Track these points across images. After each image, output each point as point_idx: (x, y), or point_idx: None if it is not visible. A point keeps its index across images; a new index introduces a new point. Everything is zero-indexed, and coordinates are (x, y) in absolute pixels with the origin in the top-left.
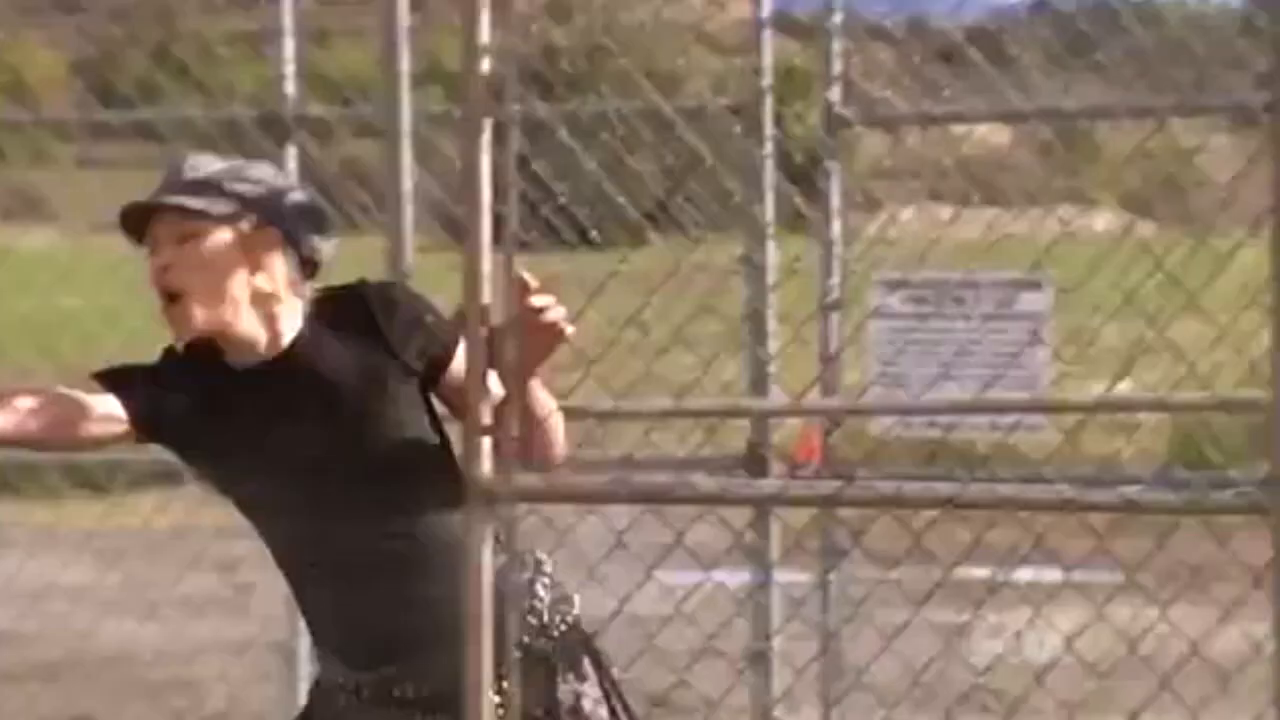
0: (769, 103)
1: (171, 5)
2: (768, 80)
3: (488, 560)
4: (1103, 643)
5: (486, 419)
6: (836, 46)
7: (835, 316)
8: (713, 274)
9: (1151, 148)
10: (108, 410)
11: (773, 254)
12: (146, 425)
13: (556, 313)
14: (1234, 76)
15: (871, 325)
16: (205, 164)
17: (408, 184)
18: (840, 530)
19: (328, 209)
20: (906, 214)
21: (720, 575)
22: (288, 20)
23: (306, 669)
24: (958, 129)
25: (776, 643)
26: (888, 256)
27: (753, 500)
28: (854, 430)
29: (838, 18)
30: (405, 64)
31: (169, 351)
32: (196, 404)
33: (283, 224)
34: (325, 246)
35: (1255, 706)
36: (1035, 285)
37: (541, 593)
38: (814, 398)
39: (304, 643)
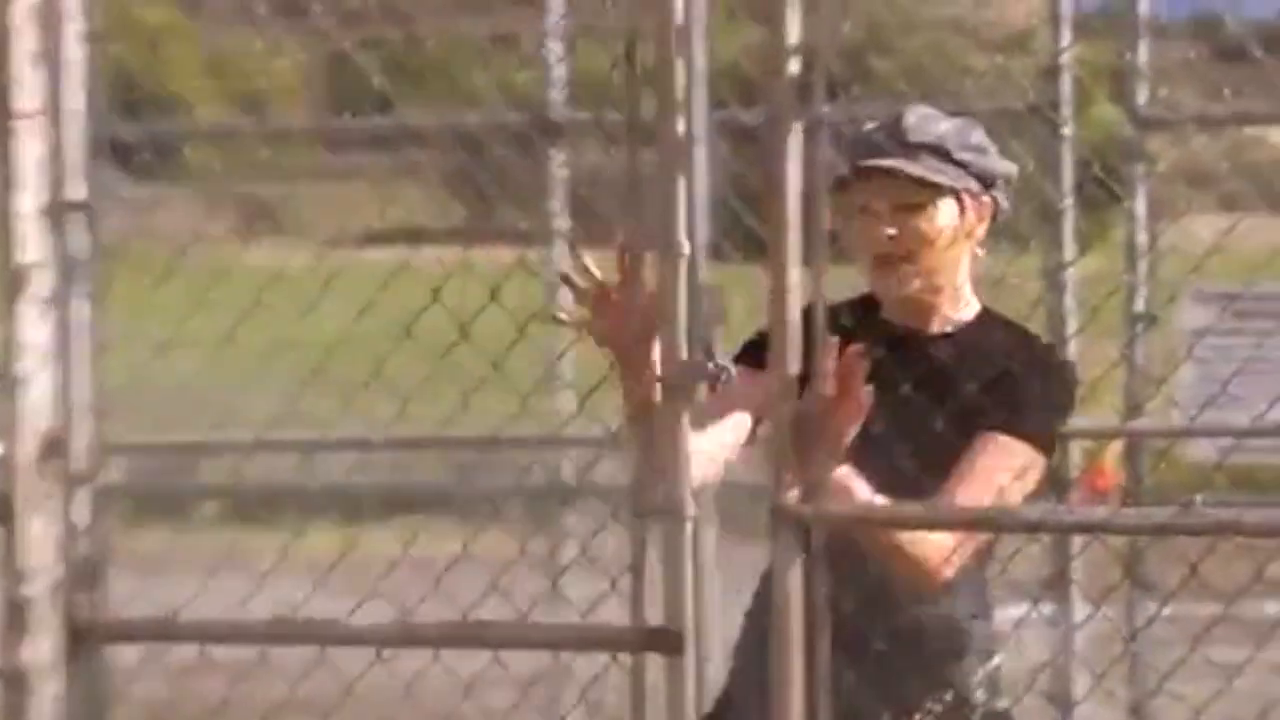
0: (1068, 103)
1: (405, 6)
2: (1066, 80)
3: (797, 586)
4: None
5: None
6: (1144, 44)
7: (1141, 330)
8: (1006, 288)
9: None
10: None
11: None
12: None
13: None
14: None
15: (1186, 342)
16: (929, 124)
17: (702, 194)
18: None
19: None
20: (1199, 223)
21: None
22: (553, 19)
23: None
24: (1250, 132)
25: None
26: (1186, 267)
27: (1079, 528)
28: (1155, 456)
29: (1143, 6)
30: (701, 61)
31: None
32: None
33: (999, 194)
34: (1005, 212)
35: None
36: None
37: (996, 658)
38: (1108, 418)
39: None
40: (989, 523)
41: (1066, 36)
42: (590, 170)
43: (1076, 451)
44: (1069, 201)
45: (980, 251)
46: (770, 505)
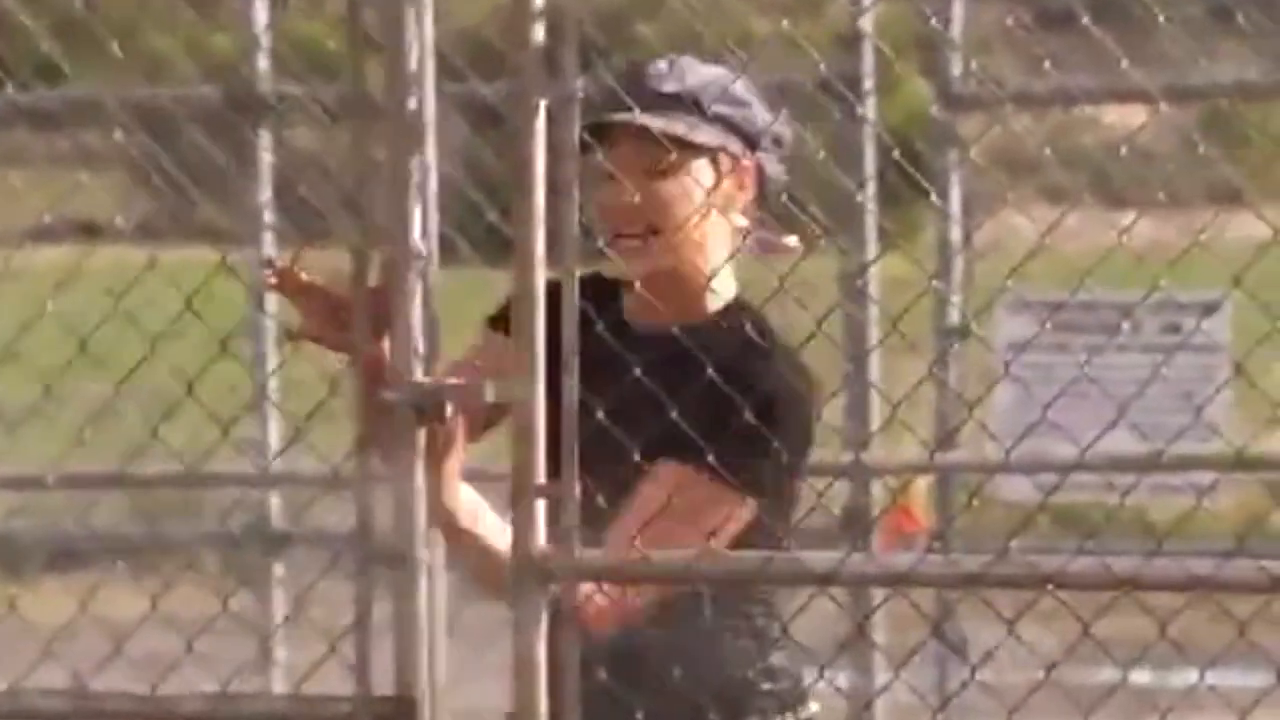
0: (868, 77)
1: None
2: (867, 49)
3: (540, 647)
4: None
5: (540, 476)
6: (957, 8)
7: (955, 345)
8: (799, 290)
9: None
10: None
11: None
12: None
13: None
14: None
15: (995, 358)
16: (680, 73)
17: (433, 183)
18: (956, 622)
19: (790, 138)
20: (1019, 219)
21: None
22: None
23: None
24: (1079, 112)
25: None
26: (1003, 271)
27: (874, 580)
28: (968, 493)
29: None
30: (429, 28)
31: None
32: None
33: (764, 155)
34: (778, 184)
35: None
36: (1213, 307)
37: (783, 678)
38: (914, 450)
39: None
40: (763, 574)
41: None
42: (302, 155)
43: (877, 488)
44: (869, 194)
45: (742, 222)
46: (513, 553)
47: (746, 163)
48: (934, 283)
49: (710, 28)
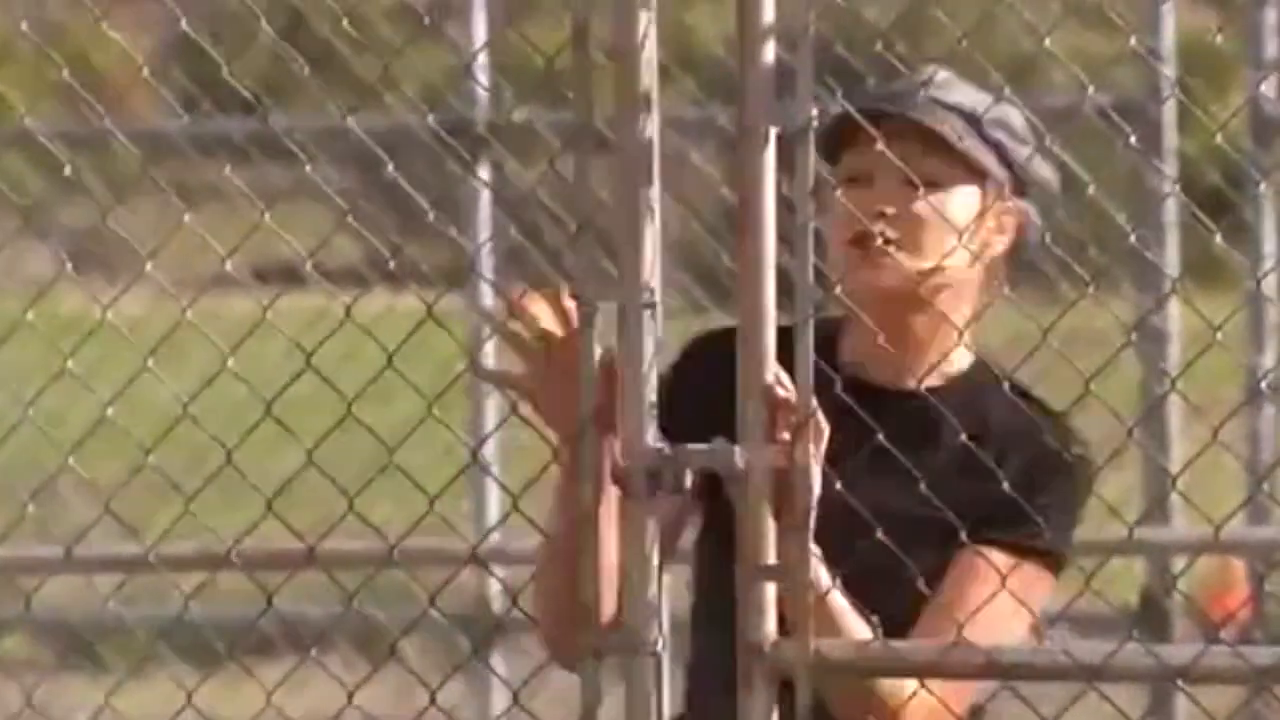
0: (1171, 101)
1: None
2: (1172, 69)
3: None
4: None
5: (770, 556)
6: (1270, 19)
7: (1269, 408)
8: (1089, 343)
9: None
10: None
11: (1177, 317)
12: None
13: None
14: None
15: None
16: (962, 87)
17: (653, 224)
18: None
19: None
20: None
21: None
22: None
23: None
24: None
25: None
26: None
27: (1149, 676)
28: None
29: None
30: (652, 49)
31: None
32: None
33: (1030, 206)
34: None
35: None
36: None
37: None
38: (1239, 526)
39: None
40: (1031, 672)
41: (1168, 8)
42: (522, 191)
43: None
44: (1173, 233)
45: (991, 276)
46: (739, 643)
47: (1013, 205)
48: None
49: (982, 48)
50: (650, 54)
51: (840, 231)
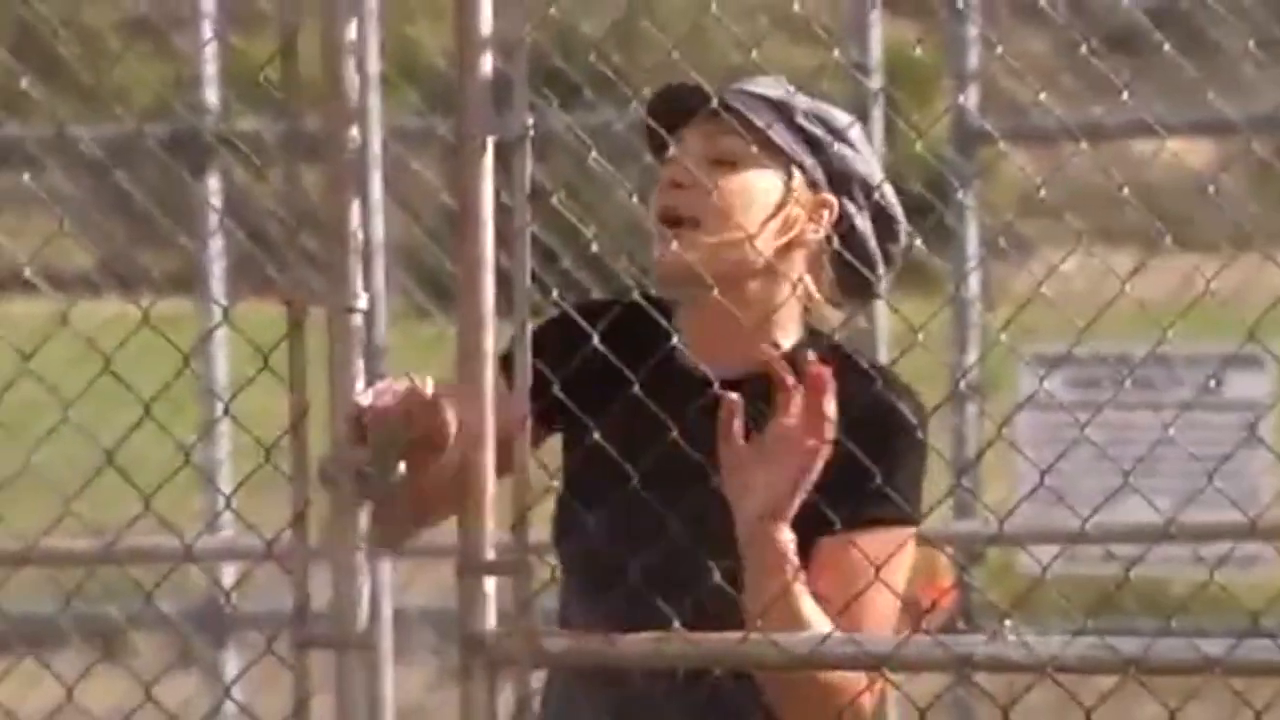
0: (879, 111)
1: None
2: (878, 80)
3: None
4: None
5: (490, 552)
6: (971, 32)
7: (971, 406)
8: None
9: None
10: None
11: (884, 319)
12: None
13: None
14: None
15: (1022, 419)
16: (777, 83)
17: (379, 229)
18: (983, 705)
19: (899, 214)
20: (1069, 264)
21: None
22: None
23: None
24: (1140, 146)
25: None
26: (1042, 324)
27: (859, 664)
28: (999, 566)
29: None
30: (374, 61)
31: (594, 306)
32: (612, 385)
33: (849, 202)
34: (878, 263)
35: None
36: (1252, 363)
37: None
38: (942, 520)
39: None
40: (739, 657)
41: (875, 20)
42: (245, 197)
43: None
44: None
45: (795, 263)
46: (460, 633)
47: (827, 197)
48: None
49: (694, 60)
50: (373, 65)
51: (656, 218)
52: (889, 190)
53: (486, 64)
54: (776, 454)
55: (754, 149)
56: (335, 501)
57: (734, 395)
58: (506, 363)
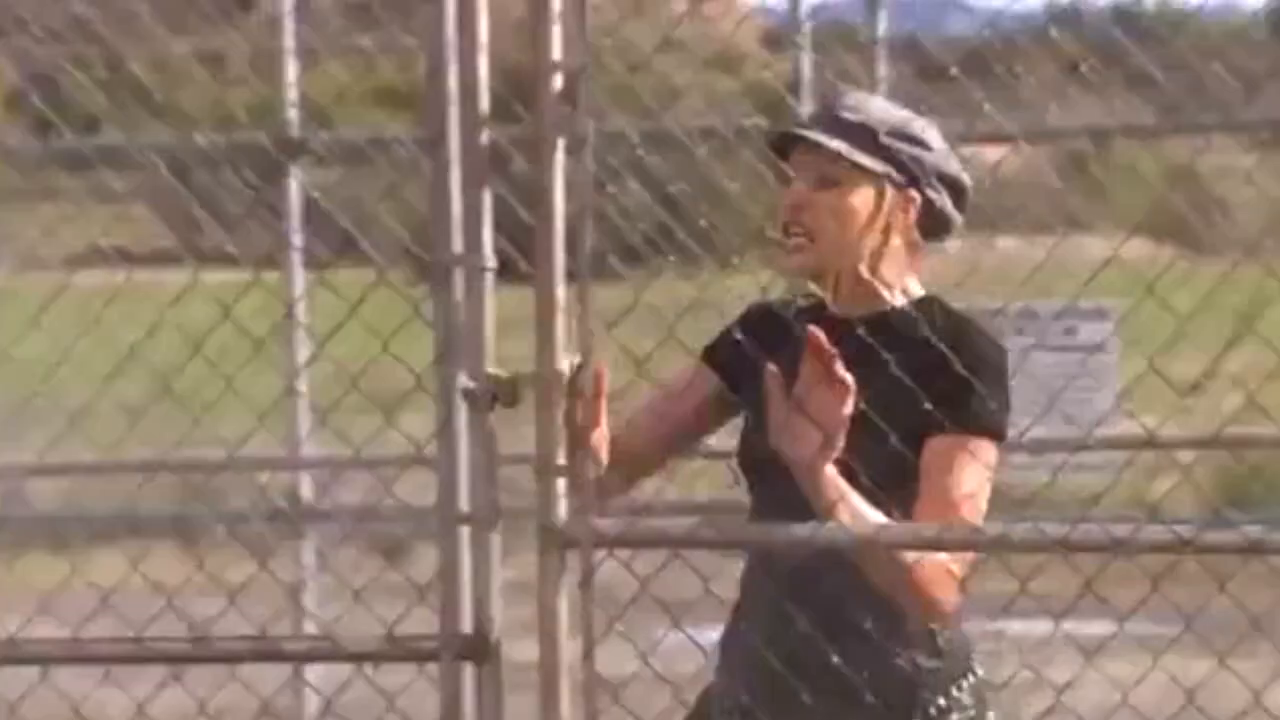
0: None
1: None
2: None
3: (563, 608)
4: (1156, 695)
5: (560, 458)
6: (805, 59)
7: None
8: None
9: (1157, 168)
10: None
11: None
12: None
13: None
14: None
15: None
16: (865, 106)
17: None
18: None
19: (969, 185)
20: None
21: None
22: (289, 39)
23: None
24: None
25: None
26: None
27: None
28: None
29: (806, 26)
30: (454, 79)
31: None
32: (778, 342)
33: (927, 191)
34: (957, 219)
35: None
36: (1099, 315)
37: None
38: None
39: None
40: (753, 537)
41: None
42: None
43: None
44: None
45: (894, 246)
46: (538, 522)
47: (912, 194)
48: None
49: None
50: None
51: (776, 220)
52: (957, 169)
53: (558, 83)
54: (807, 408)
55: (848, 170)
56: (474, 416)
57: (817, 333)
58: (710, 353)
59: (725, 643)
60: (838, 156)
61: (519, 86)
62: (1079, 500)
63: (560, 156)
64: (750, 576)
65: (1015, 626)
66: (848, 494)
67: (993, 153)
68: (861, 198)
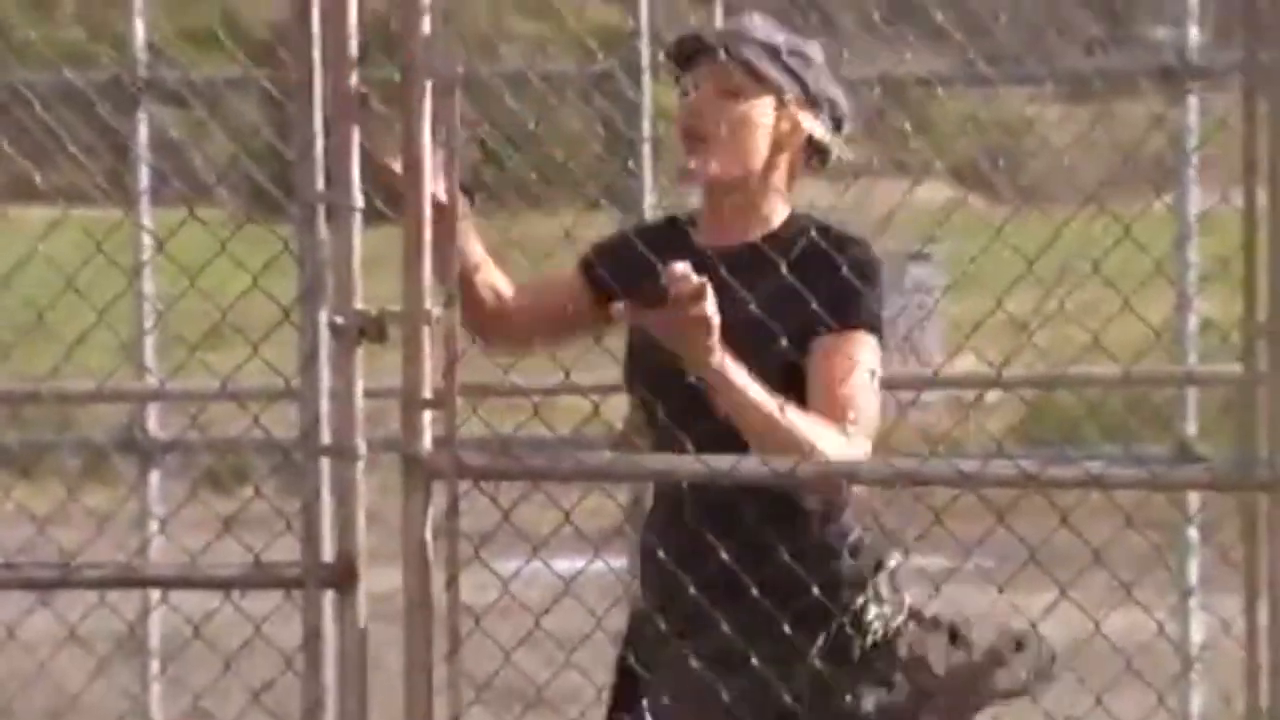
0: (646, 64)
1: None
2: (645, 45)
3: (428, 538)
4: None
5: (427, 391)
6: (717, 5)
7: None
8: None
9: (987, 116)
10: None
11: None
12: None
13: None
14: (1062, 44)
15: None
16: (767, 28)
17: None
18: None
19: (851, 108)
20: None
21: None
22: None
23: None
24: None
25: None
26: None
27: (831, 477)
28: None
29: None
30: (318, 23)
31: (644, 229)
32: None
33: (820, 112)
34: (837, 146)
35: (1099, 684)
36: (925, 258)
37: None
38: None
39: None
40: (607, 473)
41: None
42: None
43: None
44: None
45: (782, 164)
46: (401, 453)
47: (807, 113)
48: None
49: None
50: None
51: (676, 127)
52: (843, 101)
53: (426, 26)
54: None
55: (751, 82)
56: (339, 349)
57: (679, 266)
58: (585, 266)
59: (642, 563)
60: (742, 66)
61: (375, 30)
62: (926, 439)
63: (428, 99)
64: (657, 492)
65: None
66: (749, 379)
67: None
68: (760, 109)
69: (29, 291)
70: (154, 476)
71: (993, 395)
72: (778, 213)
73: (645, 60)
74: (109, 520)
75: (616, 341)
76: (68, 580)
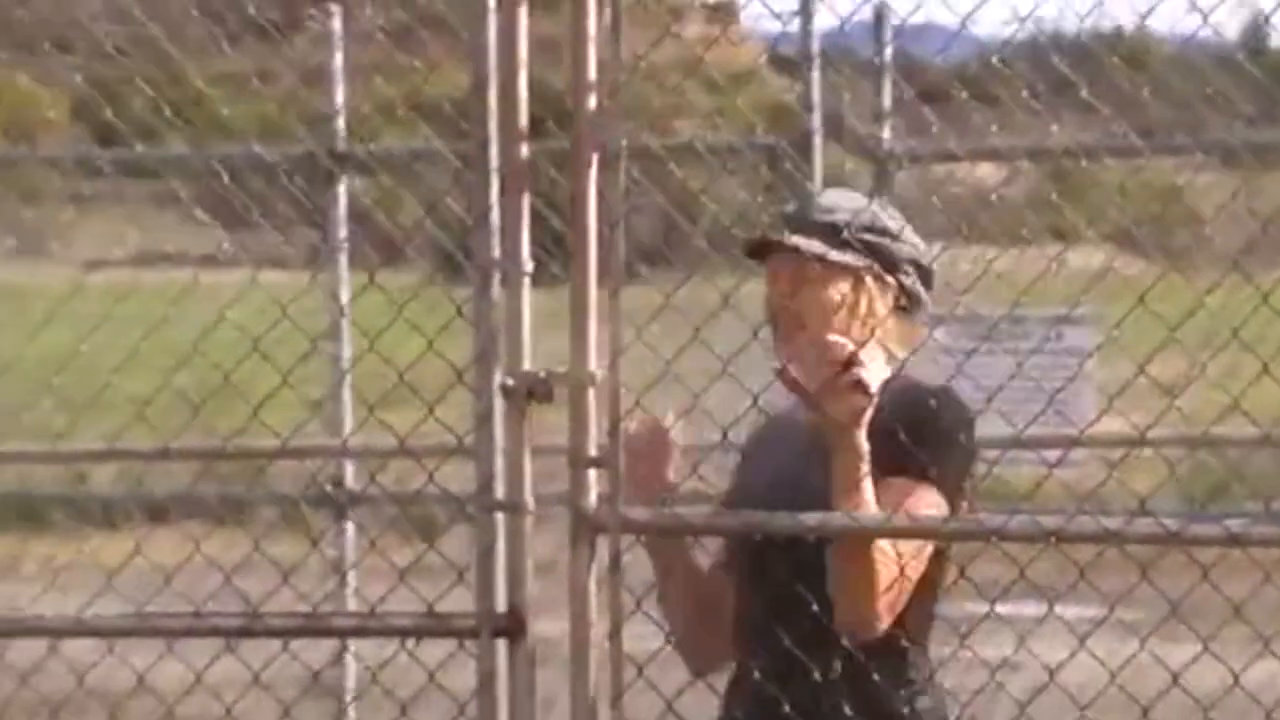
0: (818, 139)
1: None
2: (818, 118)
3: (592, 589)
4: (1084, 675)
5: (592, 449)
6: (886, 83)
7: None
8: None
9: (1138, 185)
10: None
11: None
12: None
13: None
14: (1216, 116)
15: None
16: (837, 204)
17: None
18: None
19: (931, 263)
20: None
21: None
22: (339, 59)
23: None
24: (939, 169)
25: None
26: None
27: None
28: None
29: (888, 53)
30: (494, 96)
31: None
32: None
33: (898, 275)
34: (926, 298)
35: None
36: (1080, 321)
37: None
38: None
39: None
40: (773, 524)
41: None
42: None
43: None
44: None
45: (869, 333)
46: (570, 509)
47: (889, 281)
48: None
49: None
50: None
51: (766, 310)
52: (922, 250)
53: (593, 100)
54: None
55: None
56: (510, 409)
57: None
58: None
59: (728, 694)
60: (815, 257)
61: (548, 104)
62: (1071, 495)
63: (594, 169)
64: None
65: (1007, 610)
66: (867, 475)
67: (983, 170)
68: (838, 288)
69: (218, 355)
70: (349, 527)
71: (1139, 455)
72: (879, 373)
73: (817, 138)
74: (295, 570)
75: (773, 397)
76: (251, 629)
